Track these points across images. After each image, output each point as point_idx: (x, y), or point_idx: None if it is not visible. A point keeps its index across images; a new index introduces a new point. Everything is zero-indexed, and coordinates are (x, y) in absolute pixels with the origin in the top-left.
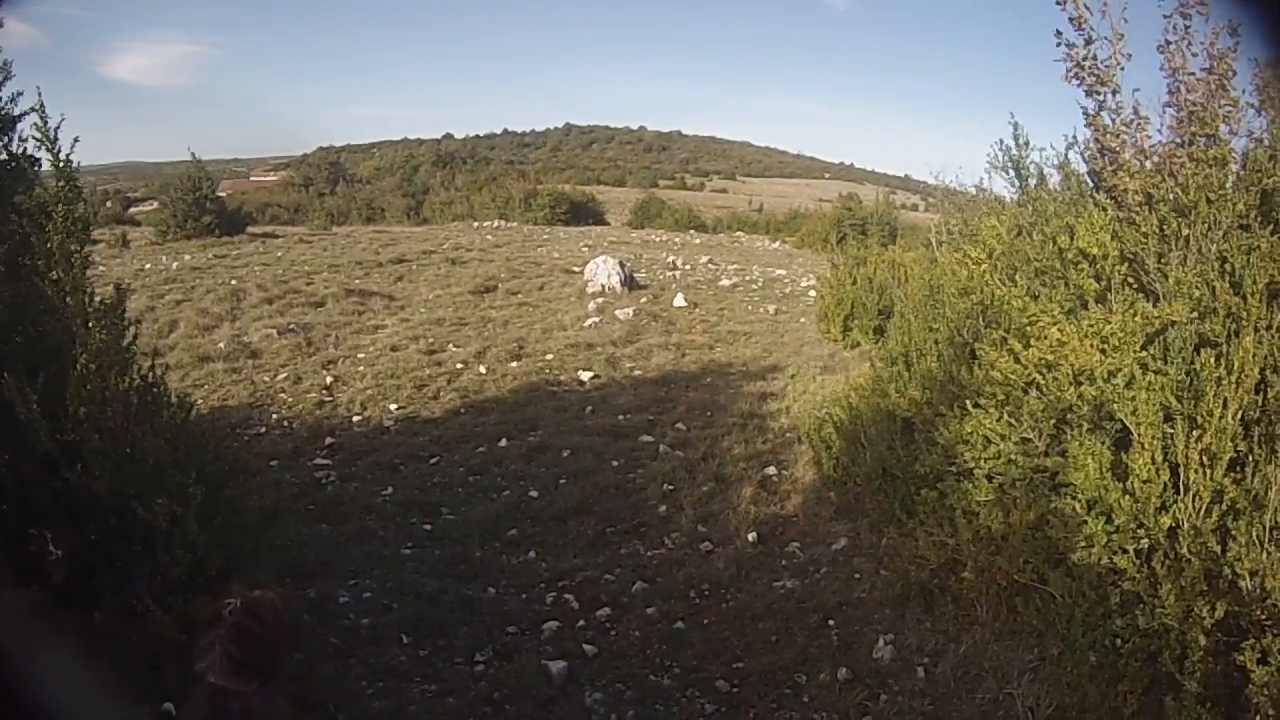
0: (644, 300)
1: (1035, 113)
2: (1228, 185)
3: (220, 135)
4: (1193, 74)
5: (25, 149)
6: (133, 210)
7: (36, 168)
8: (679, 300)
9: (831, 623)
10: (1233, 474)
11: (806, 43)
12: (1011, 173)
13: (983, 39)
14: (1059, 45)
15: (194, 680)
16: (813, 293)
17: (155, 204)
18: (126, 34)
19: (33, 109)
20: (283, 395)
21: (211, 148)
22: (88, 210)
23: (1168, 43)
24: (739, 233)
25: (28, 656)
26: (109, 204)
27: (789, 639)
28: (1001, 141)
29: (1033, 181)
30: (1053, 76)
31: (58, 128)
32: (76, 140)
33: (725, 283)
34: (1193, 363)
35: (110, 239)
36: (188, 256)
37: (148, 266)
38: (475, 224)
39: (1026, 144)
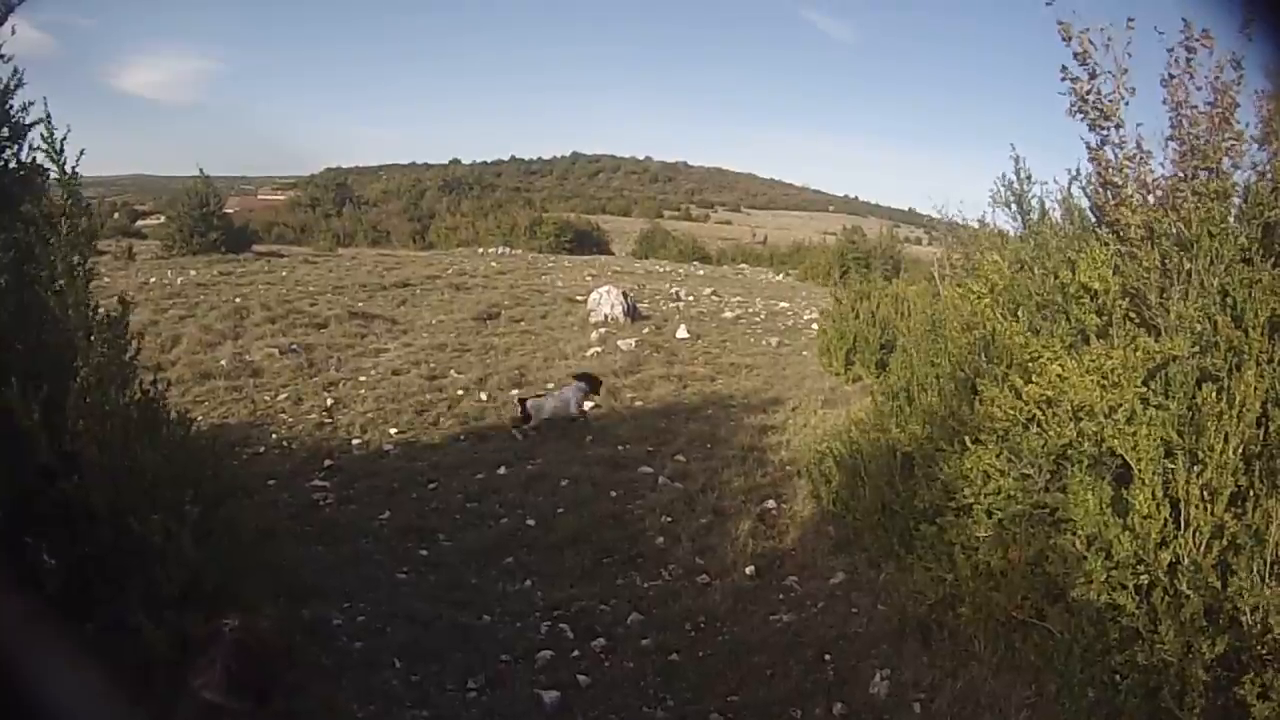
0: (646, 331)
1: (1039, 147)
2: (1230, 219)
3: (228, 152)
4: (1196, 107)
5: (34, 158)
6: (139, 223)
7: (45, 177)
8: (681, 331)
9: (828, 657)
10: (1234, 509)
11: (812, 75)
12: (1014, 207)
13: (988, 73)
14: (1063, 80)
15: (187, 696)
16: (815, 326)
17: (162, 218)
18: (138, 47)
19: (41, 120)
20: (283, 415)
21: (220, 164)
22: (94, 223)
23: (1171, 76)
24: (743, 265)
25: (21, 662)
26: (116, 216)
27: (785, 673)
28: (1004, 175)
29: (1035, 216)
30: (1057, 111)
31: (64, 139)
32: (82, 153)
33: (728, 315)
34: (1194, 397)
35: (116, 251)
36: (193, 272)
37: (152, 280)
38: (480, 250)
39: (1029, 178)
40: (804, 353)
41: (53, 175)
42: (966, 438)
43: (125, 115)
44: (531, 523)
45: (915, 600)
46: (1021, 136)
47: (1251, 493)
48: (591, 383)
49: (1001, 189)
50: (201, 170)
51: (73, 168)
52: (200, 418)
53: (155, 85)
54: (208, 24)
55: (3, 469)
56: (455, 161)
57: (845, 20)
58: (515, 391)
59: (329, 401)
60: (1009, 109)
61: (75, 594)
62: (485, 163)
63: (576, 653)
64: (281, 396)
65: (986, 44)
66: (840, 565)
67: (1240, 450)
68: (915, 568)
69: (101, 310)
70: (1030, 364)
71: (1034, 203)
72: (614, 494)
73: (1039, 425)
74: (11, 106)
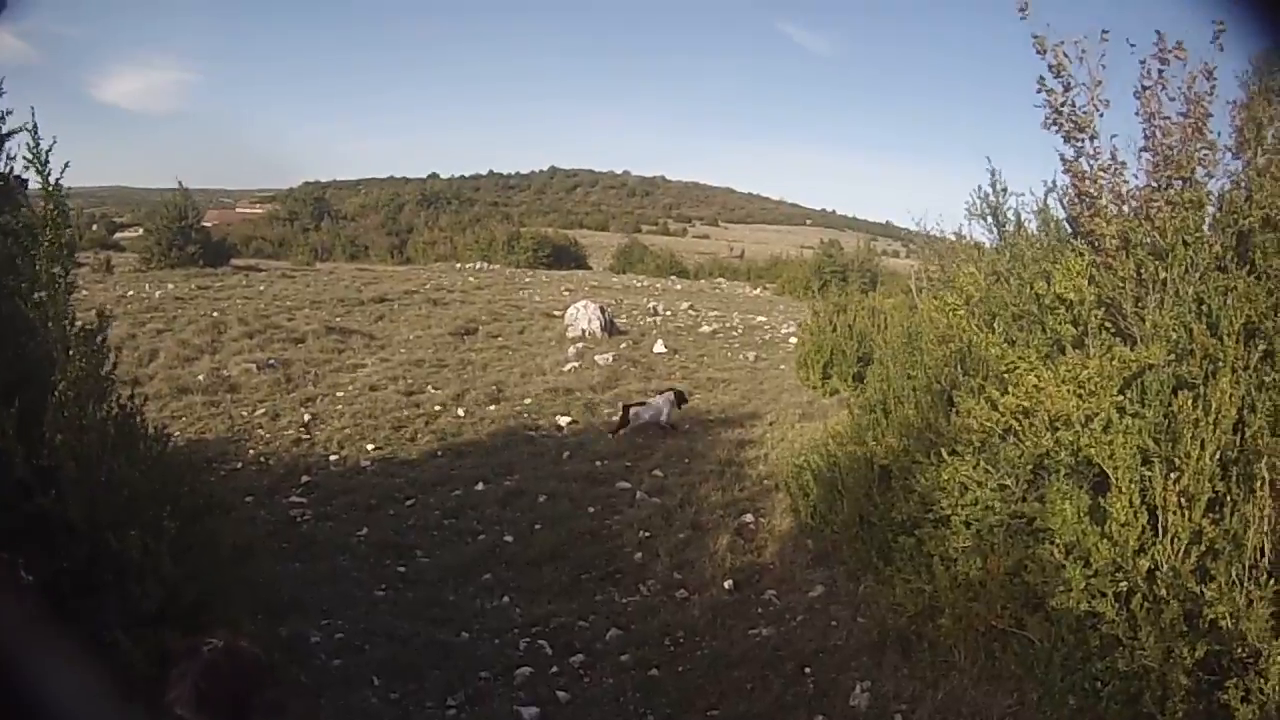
0: (624, 346)
1: (1016, 159)
2: (1204, 227)
3: (207, 165)
4: (1169, 118)
5: (13, 168)
6: (118, 235)
7: (25, 187)
8: (659, 346)
9: (808, 670)
10: (1211, 514)
11: (789, 88)
12: (989, 219)
13: (964, 86)
14: (1039, 92)
15: (163, 711)
16: (793, 340)
17: (140, 230)
18: (118, 57)
19: (24, 128)
20: (260, 431)
21: (198, 177)
22: (74, 234)
23: (1144, 88)
24: (720, 279)
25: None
26: (94, 228)
27: (765, 687)
28: (979, 188)
29: (1011, 227)
30: (1033, 123)
31: (49, 150)
32: (67, 165)
33: (705, 329)
34: (1170, 405)
35: (94, 263)
36: (171, 285)
37: (130, 293)
38: (458, 265)
39: (1004, 190)
40: (781, 366)
41: (33, 185)
42: (943, 449)
43: (104, 125)
44: (509, 539)
45: (895, 612)
46: (998, 149)
47: (1229, 498)
48: (679, 396)
49: (977, 201)
50: (180, 183)
51: (56, 179)
52: (178, 433)
53: (134, 95)
54: (188, 35)
55: None
56: (434, 176)
57: (821, 33)
58: (493, 408)
59: (306, 417)
60: (986, 122)
61: (51, 609)
62: (464, 177)
63: (555, 669)
64: (259, 412)
65: (963, 57)
66: (819, 578)
67: (1217, 456)
68: (894, 580)
69: (80, 323)
70: (1006, 375)
71: (1010, 214)
72: (592, 510)
73: (1016, 435)
74: None
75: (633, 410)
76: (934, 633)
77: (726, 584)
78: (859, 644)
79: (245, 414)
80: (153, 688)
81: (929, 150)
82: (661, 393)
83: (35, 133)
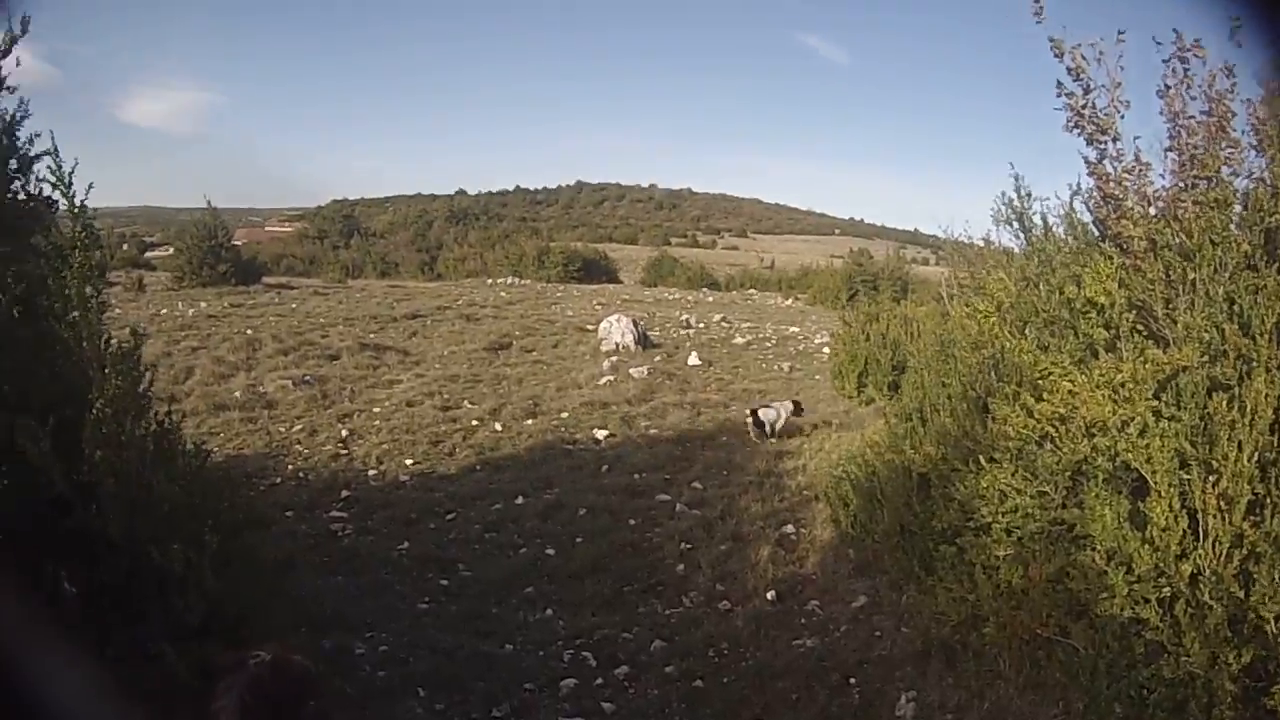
0: (658, 359)
1: (1042, 162)
2: (1231, 226)
3: (235, 184)
4: (1192, 117)
5: (42, 190)
6: (148, 254)
7: (54, 209)
8: (693, 359)
9: (853, 681)
10: (1251, 517)
11: (811, 99)
12: (1016, 224)
13: (987, 90)
14: (1059, 96)
15: (210, 718)
16: (826, 350)
17: (171, 250)
18: (143, 78)
19: (46, 152)
20: (298, 447)
21: (227, 196)
22: (105, 254)
23: (1166, 87)
24: (751, 290)
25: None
26: (125, 247)
27: (810, 698)
28: (1004, 194)
29: (1037, 232)
30: (1057, 126)
31: (72, 171)
32: (91, 186)
33: (739, 341)
34: (1205, 407)
35: (126, 282)
36: (204, 304)
37: (164, 311)
38: (489, 280)
39: (1029, 195)
40: (816, 376)
41: (62, 207)
42: (981, 457)
43: (131, 146)
44: (551, 552)
45: (938, 621)
46: (1024, 154)
47: (1269, 500)
48: (797, 406)
49: (1002, 207)
50: (209, 201)
51: (82, 200)
52: (216, 449)
53: (162, 116)
54: (215, 56)
55: (21, 499)
56: (461, 192)
57: (841, 45)
58: (529, 422)
59: (344, 433)
60: (1011, 126)
61: (94, 622)
62: (491, 193)
63: (600, 680)
64: (296, 428)
65: (983, 63)
66: (861, 588)
67: (1255, 458)
68: (936, 589)
69: (114, 342)
70: (1041, 381)
71: (1036, 219)
72: (632, 522)
73: (1053, 442)
74: (18, 138)
75: (760, 412)
76: (978, 642)
77: (769, 595)
78: (903, 654)
79: (283, 430)
80: (197, 700)
81: (954, 157)
82: (780, 401)
83: (56, 155)
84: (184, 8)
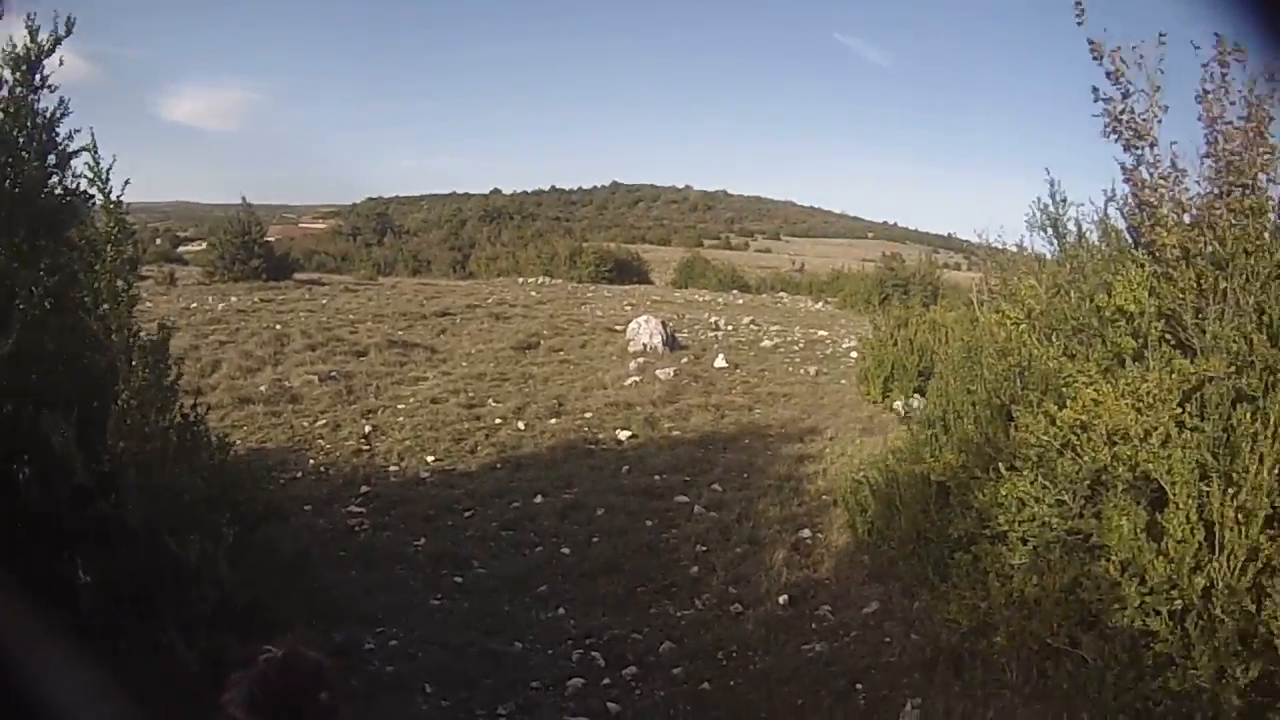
0: (685, 360)
1: (1077, 168)
2: (1265, 235)
3: (271, 181)
4: (1230, 123)
5: (79, 185)
6: (181, 249)
7: (90, 204)
8: (720, 361)
9: (859, 687)
10: (1269, 531)
11: (849, 100)
12: (1049, 230)
13: (1025, 94)
14: (1096, 100)
15: (218, 708)
16: (854, 354)
17: (204, 244)
18: (184, 78)
19: (85, 148)
20: (321, 441)
21: (262, 193)
22: (137, 249)
23: (1205, 92)
24: (782, 293)
25: (49, 679)
26: (158, 241)
27: (815, 703)
28: (1039, 199)
29: (1071, 239)
30: (1094, 131)
31: (109, 169)
32: (127, 183)
33: (766, 344)
34: (1229, 418)
35: (158, 276)
36: (234, 298)
37: (194, 305)
38: (520, 280)
39: (1064, 201)
40: (842, 381)
41: (97, 202)
42: (1001, 465)
43: (168, 143)
44: (566, 551)
45: (948, 629)
46: (1060, 159)
47: None
48: None
49: (1037, 212)
50: (244, 198)
51: (118, 195)
52: (239, 442)
53: (199, 114)
54: (252, 55)
55: (42, 489)
56: (496, 191)
57: (881, 45)
58: (553, 421)
59: (367, 429)
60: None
61: (108, 611)
62: (526, 192)
63: (607, 680)
64: (320, 423)
65: (1022, 66)
66: (874, 594)
67: (1276, 471)
68: (949, 596)
69: (144, 334)
70: (1064, 389)
71: (1070, 225)
72: (649, 523)
73: (1074, 450)
74: (58, 134)
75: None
76: (987, 650)
77: (781, 599)
78: (911, 661)
79: (306, 424)
80: (208, 691)
81: (991, 161)
82: None
83: (95, 151)
84: (223, 6)
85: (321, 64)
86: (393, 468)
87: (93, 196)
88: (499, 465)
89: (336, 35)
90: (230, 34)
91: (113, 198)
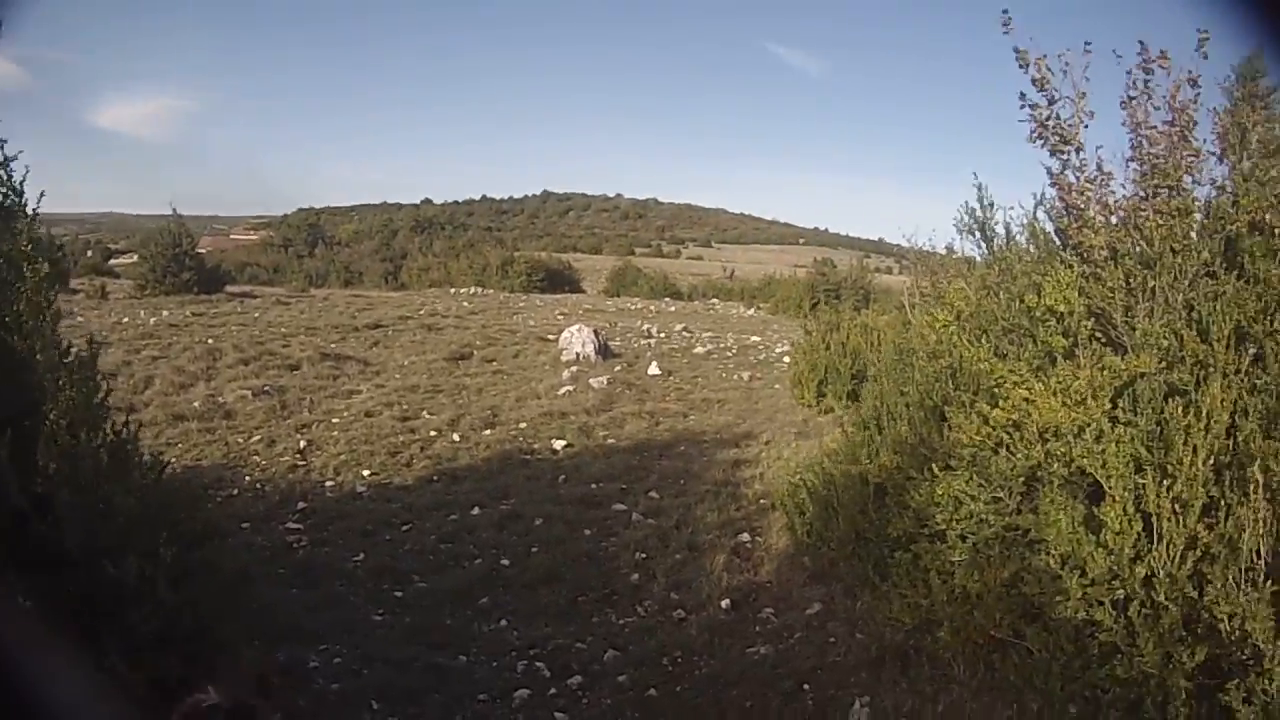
0: (618, 369)
1: (1006, 172)
2: (1192, 234)
3: (201, 192)
4: (1154, 127)
5: (6, 196)
6: (113, 262)
7: (24, 216)
8: (653, 368)
9: (807, 687)
10: (1206, 519)
11: (780, 109)
12: (978, 234)
13: (953, 102)
14: (1023, 107)
15: None
16: (787, 359)
17: (135, 257)
18: (112, 83)
19: (8, 159)
20: (256, 457)
21: (192, 204)
22: (65, 262)
23: (1130, 98)
24: (714, 300)
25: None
26: (89, 254)
27: (763, 705)
28: (966, 203)
29: (999, 242)
30: (1021, 137)
31: (23, 180)
32: (43, 194)
33: (699, 350)
34: (1162, 412)
35: (89, 289)
36: (165, 313)
37: (125, 320)
38: (452, 290)
39: (991, 205)
40: (776, 386)
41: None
42: (936, 465)
43: (98, 152)
44: (506, 563)
45: (892, 627)
46: (990, 164)
47: (1223, 502)
48: None
49: (965, 216)
50: (174, 209)
51: (34, 209)
52: (173, 460)
53: (127, 120)
54: (182, 63)
55: None
56: (427, 201)
57: (812, 55)
58: (488, 432)
59: (302, 443)
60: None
61: (50, 634)
62: (457, 202)
63: (553, 691)
64: (254, 439)
65: (952, 74)
66: (816, 596)
67: (1210, 461)
68: (891, 595)
69: (74, 350)
70: (996, 389)
71: (998, 229)
72: (588, 532)
73: (1007, 449)
74: None
75: None
76: (932, 646)
77: (724, 603)
78: (857, 660)
79: (241, 441)
80: (154, 713)
81: (920, 167)
82: None
83: (6, 163)
84: (152, 13)
85: (256, 74)
86: (329, 483)
87: (25, 207)
88: (435, 478)
89: (270, 45)
90: (160, 40)
91: (29, 211)
